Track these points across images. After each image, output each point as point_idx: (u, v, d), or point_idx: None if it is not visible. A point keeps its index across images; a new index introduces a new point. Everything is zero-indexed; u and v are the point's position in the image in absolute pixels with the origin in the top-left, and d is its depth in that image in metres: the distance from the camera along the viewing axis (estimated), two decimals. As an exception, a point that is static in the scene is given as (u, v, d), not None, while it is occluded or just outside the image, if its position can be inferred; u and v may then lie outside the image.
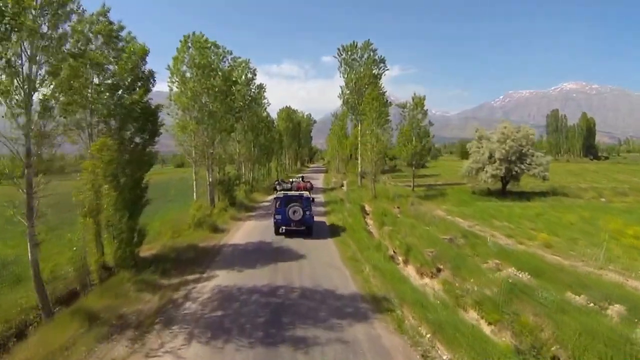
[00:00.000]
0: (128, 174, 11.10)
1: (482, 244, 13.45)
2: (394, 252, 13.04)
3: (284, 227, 14.67)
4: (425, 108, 28.04)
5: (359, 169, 33.54)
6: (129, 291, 9.82)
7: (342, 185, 37.47)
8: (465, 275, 10.13)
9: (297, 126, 66.16)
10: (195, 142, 19.38)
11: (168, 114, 20.12)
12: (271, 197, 26.32)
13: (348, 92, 33.93)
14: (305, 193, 15.51)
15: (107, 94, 11.36)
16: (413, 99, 28.28)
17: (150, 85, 12.04)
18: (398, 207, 20.26)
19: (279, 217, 14.52)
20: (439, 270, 10.91)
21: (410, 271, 11.50)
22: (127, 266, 10.90)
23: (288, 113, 60.18)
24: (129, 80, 11.56)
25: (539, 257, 11.89)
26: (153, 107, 12.13)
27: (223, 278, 10.10)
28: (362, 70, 34.28)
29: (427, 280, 10.80)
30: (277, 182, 18.37)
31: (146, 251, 13.60)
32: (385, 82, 39.04)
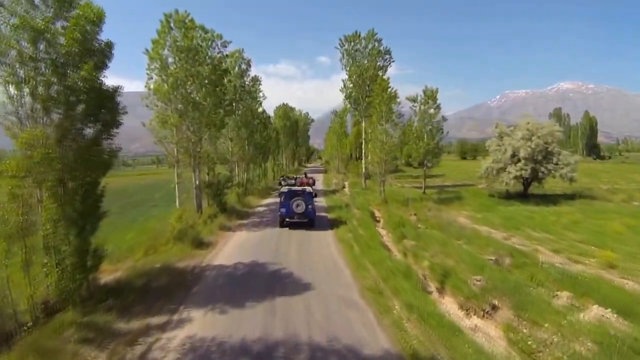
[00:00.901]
0: (77, 177, 8.23)
1: (533, 264, 10.63)
2: (423, 276, 10.21)
3: (287, 220, 15.72)
4: (438, 102, 25.25)
5: (363, 169, 30.73)
6: (67, 343, 6.95)
7: (344, 187, 34.69)
8: (534, 317, 7.34)
9: (294, 124, 63.24)
10: (177, 139, 16.43)
11: (147, 106, 17.27)
12: (266, 202, 23.49)
13: (351, 85, 31.08)
14: (308, 188, 16.52)
15: (49, 70, 8.42)
16: (424, 92, 25.47)
17: (107, 61, 9.10)
18: (415, 215, 17.43)
19: (283, 210, 15.67)
20: (493, 307, 8.09)
21: (449, 305, 8.66)
22: (76, 301, 8.06)
23: (285, 111, 57.21)
24: (76, 53, 8.61)
25: (619, 288, 9.10)
26: (111, 89, 9.20)
27: (199, 324, 7.22)
28: (366, 62, 31.53)
29: (477, 320, 7.97)
30: (282, 178, 19.58)
31: (110, 274, 10.76)
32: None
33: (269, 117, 37.61)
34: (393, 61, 31.71)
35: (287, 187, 16.89)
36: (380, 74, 31.30)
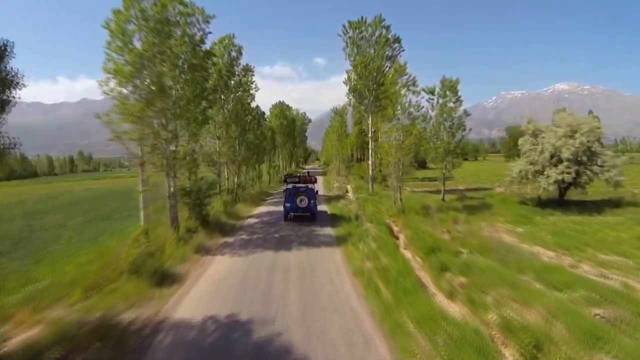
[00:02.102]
0: None
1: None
2: (490, 337, 6.55)
3: (292, 213, 17.12)
4: (459, 94, 21.69)
5: (369, 172, 27.11)
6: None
7: (347, 192, 31.03)
8: None
9: (291, 123, 59.53)
10: (140, 134, 12.65)
11: (105, 94, 13.47)
12: (259, 211, 19.94)
13: (356, 77, 27.46)
14: (310, 185, 18.15)
15: None
16: (442, 83, 21.90)
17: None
18: (447, 232, 13.78)
19: (288, 205, 17.10)
20: None
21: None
22: None
23: (282, 109, 53.50)
24: None
25: None
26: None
27: None
28: (372, 51, 27.97)
29: None
30: (286, 176, 20.74)
31: (23, 331, 7.15)
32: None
33: (263, 113, 33.87)
34: (403, 50, 28.16)
35: (291, 184, 18.49)
36: (389, 65, 27.85)
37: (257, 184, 34.24)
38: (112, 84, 13.11)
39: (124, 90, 13.24)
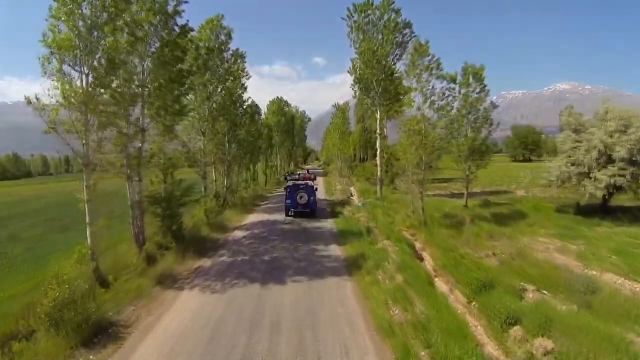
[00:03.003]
0: None
1: None
2: None
3: (292, 210, 17.71)
4: (484, 82, 18.55)
5: (378, 173, 23.94)
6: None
7: (352, 196, 27.87)
8: None
9: (290, 121, 56.31)
10: (84, 125, 9.43)
11: (44, 75, 10.27)
12: (251, 221, 16.84)
13: (363, 66, 24.28)
14: (310, 182, 19.10)
15: None
16: (464, 70, 18.74)
17: None
18: (493, 254, 10.58)
19: (289, 201, 17.76)
20: None
21: None
22: None
23: (280, 105, 50.27)
24: None
25: None
26: None
27: None
28: (380, 37, 24.79)
29: None
30: (287, 174, 21.70)
31: None
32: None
33: (257, 106, 30.68)
34: (415, 36, 24.94)
35: (292, 181, 19.24)
36: (399, 52, 24.73)
37: (251, 186, 31.05)
38: (55, 61, 9.94)
39: (71, 70, 10.06)
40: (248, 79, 21.72)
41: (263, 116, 39.38)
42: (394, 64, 24.85)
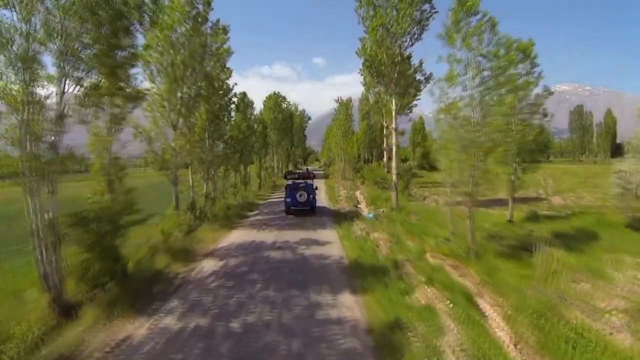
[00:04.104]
0: None
1: None
2: None
3: (292, 208, 18.14)
4: (535, 61, 14.31)
5: (393, 178, 19.63)
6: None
7: (359, 204, 23.60)
8: None
9: (288, 119, 52.03)
10: None
11: None
12: (233, 240, 12.47)
13: (374, 46, 20.00)
14: (309, 181, 19.89)
15: None
16: (507, 44, 14.42)
17: None
18: (610, 315, 6.31)
19: (289, 199, 18.20)
20: None
21: None
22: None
23: (276, 101, 46.01)
24: None
25: None
26: None
27: None
28: (395, 13, 20.52)
29: None
30: (287, 172, 23.28)
31: None
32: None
33: (246, 95, 26.31)
34: (436, 12, 20.70)
35: (291, 180, 20.17)
36: (417, 31, 20.51)
37: (241, 191, 26.70)
38: None
39: None
40: (231, 54, 17.28)
41: (257, 111, 35.10)
42: (412, 44, 20.64)
